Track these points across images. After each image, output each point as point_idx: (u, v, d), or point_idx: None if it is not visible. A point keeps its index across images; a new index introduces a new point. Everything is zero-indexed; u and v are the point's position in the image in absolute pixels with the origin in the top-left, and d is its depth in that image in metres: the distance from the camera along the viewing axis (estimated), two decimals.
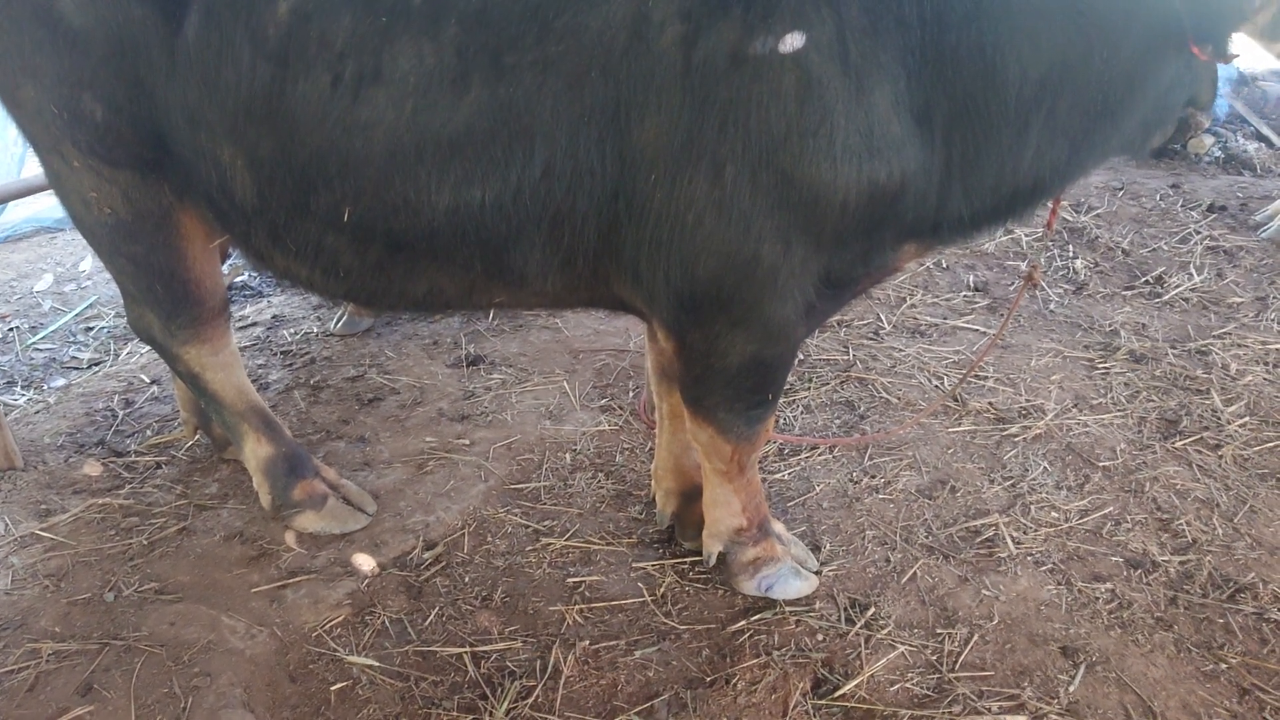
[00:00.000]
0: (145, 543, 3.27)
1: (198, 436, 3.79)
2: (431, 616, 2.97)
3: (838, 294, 2.58)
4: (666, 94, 2.17)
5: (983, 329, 4.58)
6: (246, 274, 5.43)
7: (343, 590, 3.07)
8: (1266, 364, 4.22)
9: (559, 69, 2.18)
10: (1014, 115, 2.29)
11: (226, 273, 5.12)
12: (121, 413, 4.10)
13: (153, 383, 4.36)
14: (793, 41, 2.10)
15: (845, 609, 2.97)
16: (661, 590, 3.07)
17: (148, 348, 4.69)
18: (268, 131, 2.31)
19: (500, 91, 2.19)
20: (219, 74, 2.37)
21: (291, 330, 4.76)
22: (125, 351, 4.75)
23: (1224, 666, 2.75)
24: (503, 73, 2.19)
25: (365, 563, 3.16)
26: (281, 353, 4.54)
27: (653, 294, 2.44)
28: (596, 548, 3.25)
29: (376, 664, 2.80)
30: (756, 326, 2.45)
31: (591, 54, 2.18)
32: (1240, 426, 3.80)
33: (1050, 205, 2.77)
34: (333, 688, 2.73)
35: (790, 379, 4.13)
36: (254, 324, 4.88)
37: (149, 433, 3.96)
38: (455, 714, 2.64)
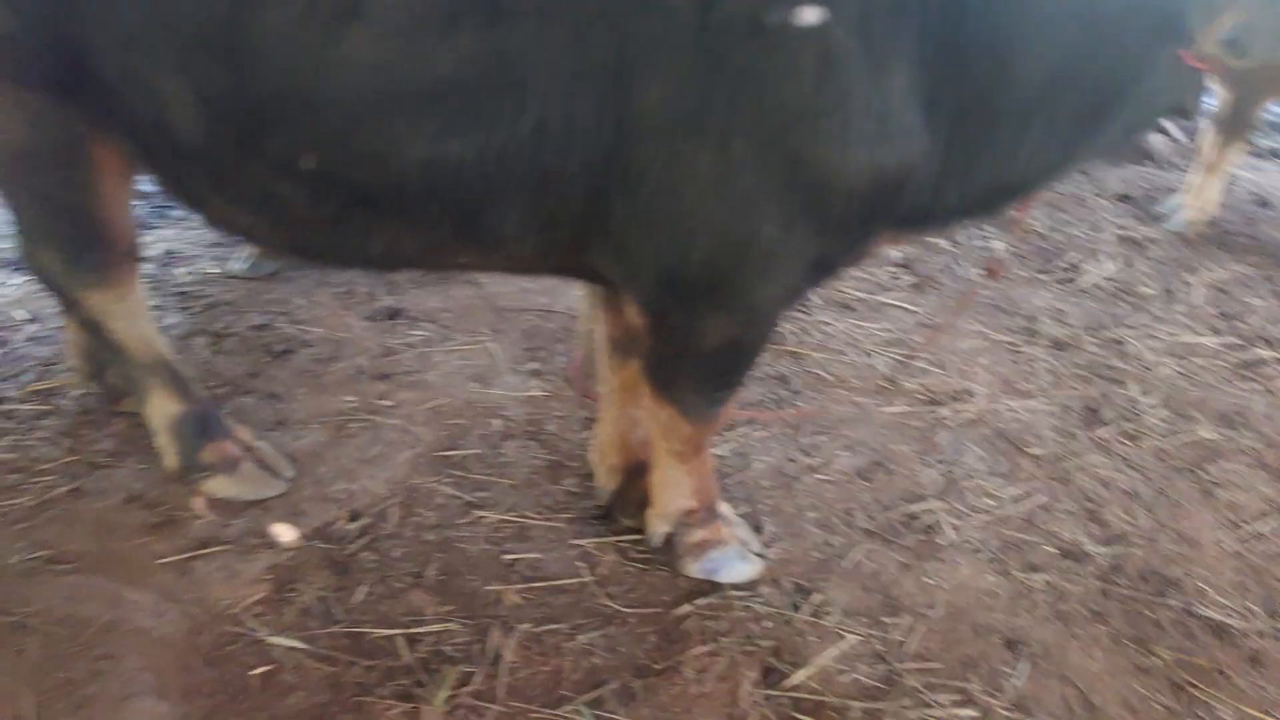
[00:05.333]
0: (32, 504, 2.95)
1: (89, 384, 3.45)
2: (360, 594, 2.77)
3: (820, 278, 2.49)
4: (677, 57, 1.99)
5: (910, 306, 4.58)
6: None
7: (261, 564, 2.83)
8: (1177, 356, 4.35)
9: (562, 18, 1.98)
10: (1019, 113, 2.23)
11: None
12: None
13: (30, 320, 3.94)
14: (815, 15, 1.96)
15: (791, 594, 2.92)
16: (603, 570, 2.94)
17: (18, 279, 4.28)
18: (223, 64, 2.02)
19: (495, 38, 1.98)
20: None
21: (187, 269, 4.38)
22: None
23: (1157, 661, 2.81)
24: (499, 17, 1.97)
25: (285, 533, 2.93)
26: (178, 294, 4.17)
27: (636, 269, 2.28)
28: (533, 522, 3.10)
29: (302, 646, 2.59)
30: (742, 310, 2.33)
31: (600, 5, 1.98)
32: (1157, 419, 3.90)
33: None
34: (253, 673, 2.51)
35: None
36: (143, 259, 4.45)
37: (28, 378, 3.59)
38: (390, 702, 2.47)
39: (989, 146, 2.26)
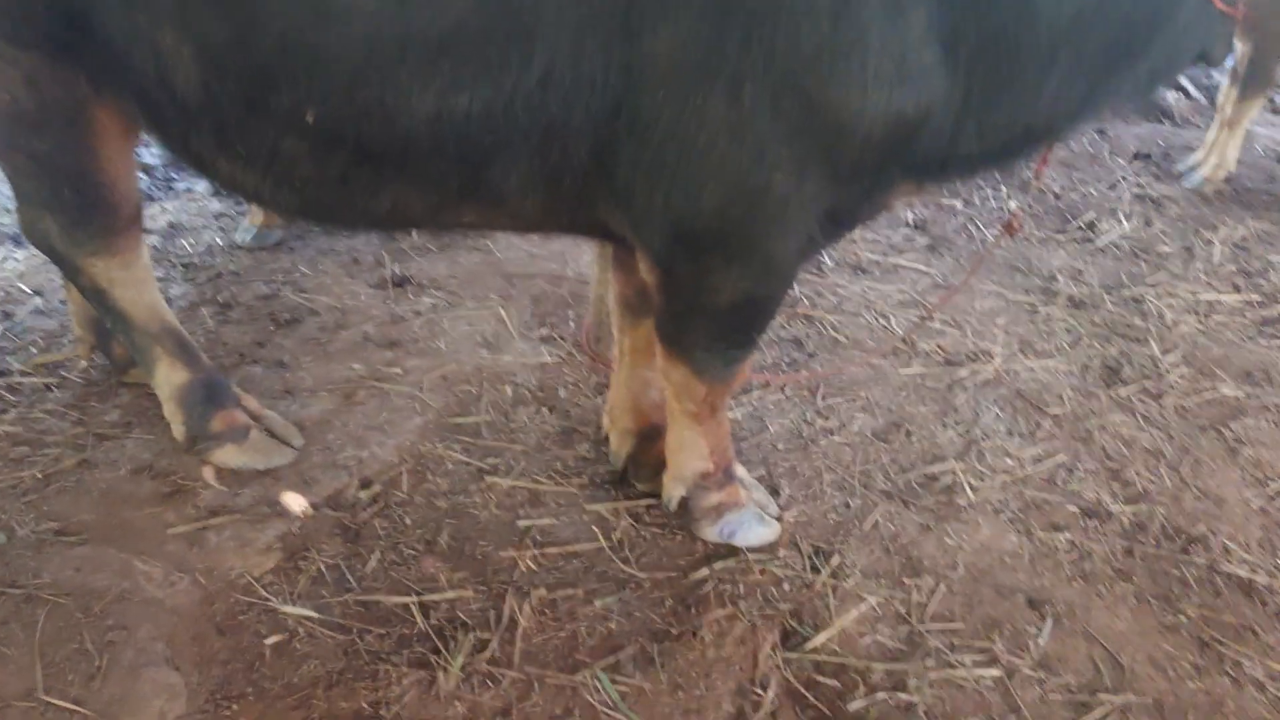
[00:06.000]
0: (40, 476, 2.92)
1: (93, 356, 3.41)
2: (372, 562, 2.74)
3: (836, 230, 2.42)
4: (687, 1, 1.93)
5: (924, 268, 4.51)
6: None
7: (272, 532, 2.80)
8: (1197, 314, 4.28)
9: None
10: (1043, 50, 2.14)
11: None
12: (0, 327, 3.66)
13: (35, 293, 3.91)
14: None
15: (809, 557, 2.87)
16: (617, 535, 2.90)
17: (22, 253, 4.24)
18: (223, 16, 1.96)
19: None
20: None
21: (192, 240, 4.34)
22: None
23: (1183, 619, 2.76)
24: None
25: (295, 502, 2.89)
26: (183, 265, 4.13)
27: (645, 222, 2.22)
28: (545, 488, 3.06)
29: (315, 615, 2.56)
30: (755, 262, 2.27)
31: None
32: (1179, 376, 3.83)
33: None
34: (267, 641, 2.49)
35: None
36: (147, 231, 4.38)
37: (34, 350, 3.55)
38: (405, 669, 2.44)
39: (1011, 87, 2.17)
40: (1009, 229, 3.01)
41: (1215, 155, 5.39)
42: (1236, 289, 4.51)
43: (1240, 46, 5.05)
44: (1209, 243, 4.88)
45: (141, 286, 2.84)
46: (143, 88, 2.17)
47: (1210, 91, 6.72)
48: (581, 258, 4.21)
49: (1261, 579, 2.92)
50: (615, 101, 2.04)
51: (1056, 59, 2.16)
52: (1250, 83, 5.08)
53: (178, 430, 3.00)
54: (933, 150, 2.23)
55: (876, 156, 2.12)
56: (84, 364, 3.42)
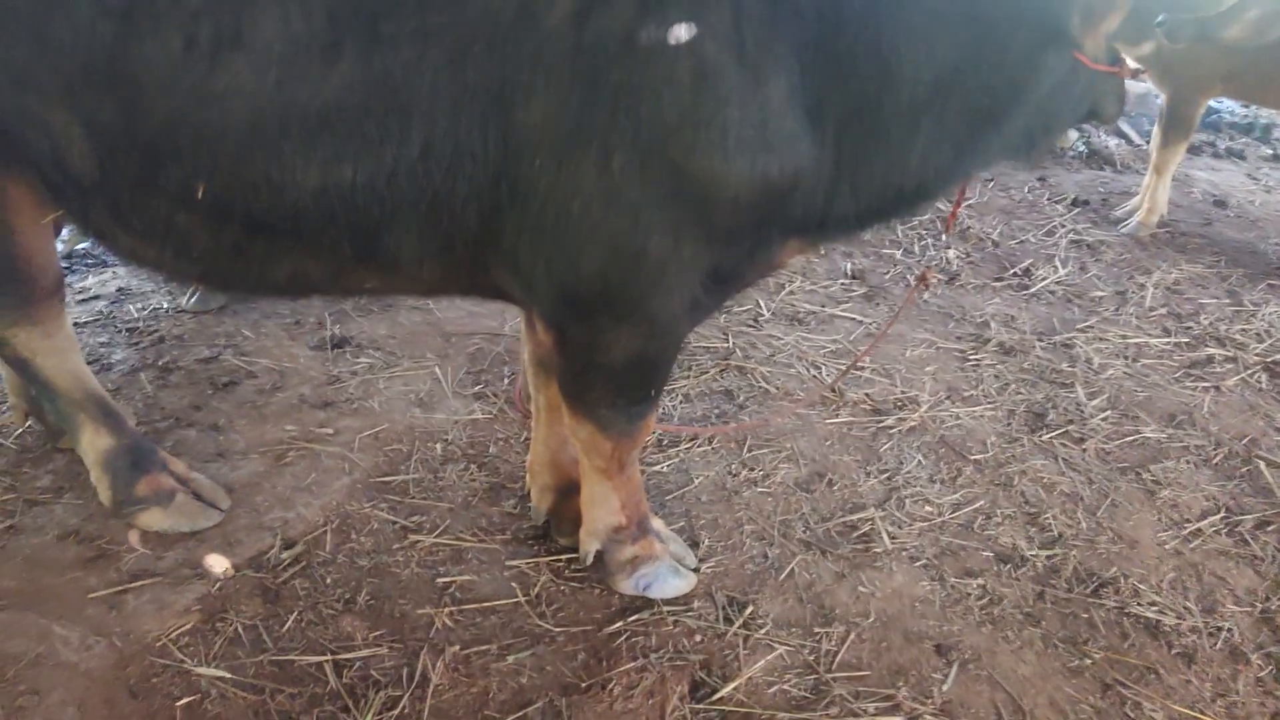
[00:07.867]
0: None
1: (29, 423, 3.47)
2: (290, 622, 2.78)
3: (723, 289, 2.50)
4: (555, 74, 2.03)
5: (859, 317, 4.60)
6: (89, 241, 5.01)
7: (191, 594, 2.84)
8: (1126, 358, 4.36)
9: (441, 41, 2.02)
10: (906, 116, 2.25)
11: (65, 240, 4.72)
12: None
13: None
14: (684, 31, 1.99)
15: (723, 608, 2.92)
16: (536, 590, 2.95)
17: None
18: (109, 97, 2.06)
19: (376, 63, 2.01)
20: (50, 29, 2.10)
21: (139, 305, 4.41)
22: None
23: (1088, 662, 2.81)
24: (379, 42, 2.01)
25: (217, 564, 2.94)
26: (127, 330, 4.20)
27: (533, 285, 2.31)
28: (468, 545, 3.11)
29: (228, 675, 2.60)
30: (641, 322, 2.35)
31: (476, 27, 2.03)
32: (1102, 420, 3.91)
33: (952, 206, 2.77)
34: (179, 703, 2.52)
35: None
36: (96, 297, 4.51)
37: None
38: None
39: (880, 150, 2.28)
40: (923, 282, 3.11)
41: (1147, 200, 5.53)
42: (1166, 332, 4.60)
43: (1162, 95, 5.21)
44: (1142, 287, 4.99)
45: (64, 355, 2.91)
46: (41, 166, 2.26)
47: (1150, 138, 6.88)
48: (520, 316, 4.29)
49: (1169, 620, 2.97)
50: (496, 171, 2.14)
51: (920, 125, 2.27)
52: (1170, 129, 5.23)
53: (104, 494, 3.05)
54: (809, 211, 2.32)
55: (749, 219, 2.21)
56: (19, 430, 3.48)
